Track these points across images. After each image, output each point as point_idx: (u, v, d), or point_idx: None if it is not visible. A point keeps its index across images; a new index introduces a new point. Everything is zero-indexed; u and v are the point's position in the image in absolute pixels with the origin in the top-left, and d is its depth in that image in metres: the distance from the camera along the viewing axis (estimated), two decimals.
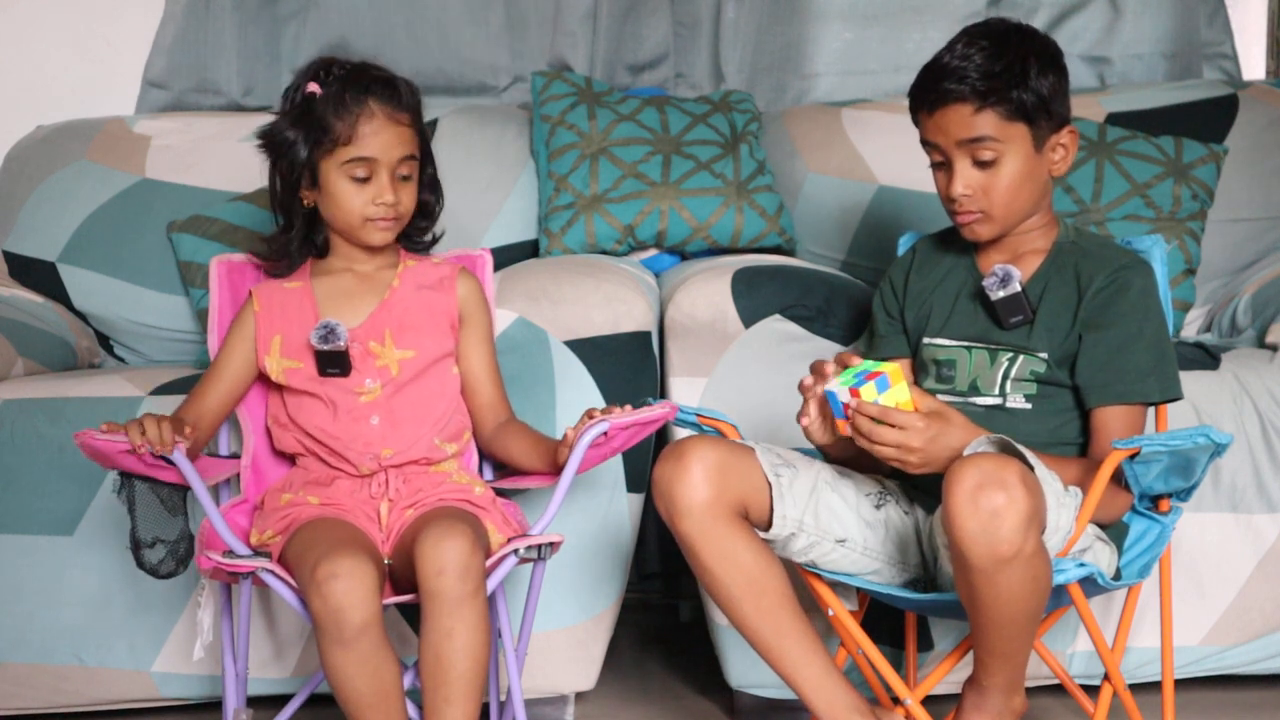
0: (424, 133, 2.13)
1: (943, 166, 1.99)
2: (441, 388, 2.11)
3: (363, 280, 2.13)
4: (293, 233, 2.12)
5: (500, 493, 2.12)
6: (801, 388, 1.89)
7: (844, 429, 1.83)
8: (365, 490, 2.04)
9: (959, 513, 1.68)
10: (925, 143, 2.00)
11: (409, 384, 2.08)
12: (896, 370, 1.81)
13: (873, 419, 1.80)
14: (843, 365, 1.84)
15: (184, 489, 1.91)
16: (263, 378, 2.11)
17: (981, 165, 1.95)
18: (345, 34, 3.21)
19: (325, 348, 2.04)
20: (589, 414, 1.95)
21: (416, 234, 2.18)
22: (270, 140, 2.09)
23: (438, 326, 2.11)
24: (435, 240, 2.21)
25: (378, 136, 2.04)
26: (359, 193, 2.05)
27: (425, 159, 2.14)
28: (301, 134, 2.05)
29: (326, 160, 2.05)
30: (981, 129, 1.93)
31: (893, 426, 1.79)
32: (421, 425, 2.07)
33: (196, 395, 2.09)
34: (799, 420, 1.89)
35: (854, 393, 1.80)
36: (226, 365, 2.10)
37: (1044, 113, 1.95)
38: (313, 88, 2.06)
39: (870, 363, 1.82)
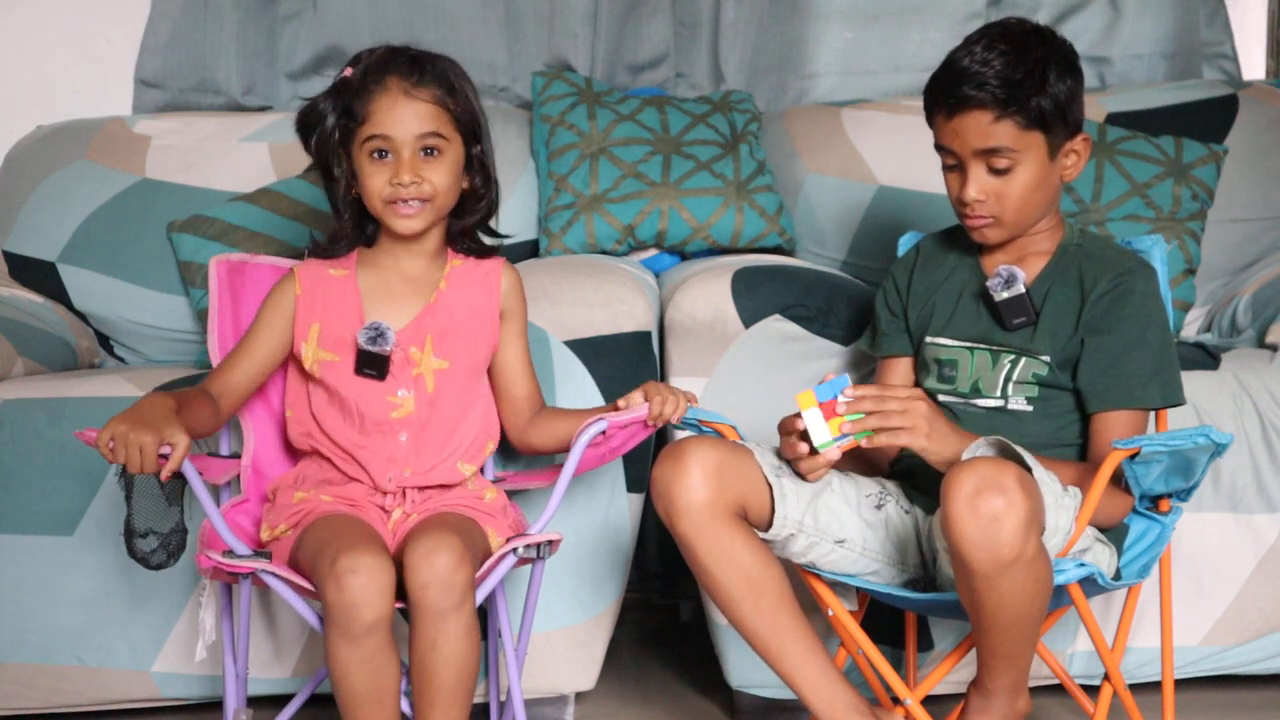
0: (468, 113, 2.05)
1: (956, 169, 1.99)
2: (472, 406, 2.08)
3: (408, 279, 2.09)
4: (344, 219, 2.08)
5: None
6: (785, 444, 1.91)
7: (840, 428, 1.84)
8: (379, 496, 2.04)
9: (958, 518, 1.69)
10: (939, 147, 2.00)
11: (441, 402, 2.05)
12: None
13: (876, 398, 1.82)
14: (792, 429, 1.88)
15: (183, 480, 1.90)
16: (287, 362, 2.09)
17: (996, 172, 1.95)
18: (344, 34, 3.21)
19: (372, 349, 2.01)
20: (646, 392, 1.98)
21: (466, 229, 2.11)
22: (304, 118, 2.05)
23: (479, 334, 2.08)
24: (500, 241, 2.15)
25: (391, 112, 1.99)
26: (379, 173, 2.00)
27: (469, 140, 2.06)
28: (330, 104, 2.02)
29: (354, 143, 2.02)
30: (999, 139, 1.93)
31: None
32: (446, 449, 2.06)
33: (225, 367, 2.04)
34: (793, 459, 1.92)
35: (832, 404, 1.82)
36: (260, 342, 2.05)
37: (1060, 121, 1.95)
38: (348, 72, 2.03)
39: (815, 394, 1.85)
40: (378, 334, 2.01)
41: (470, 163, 2.07)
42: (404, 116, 1.99)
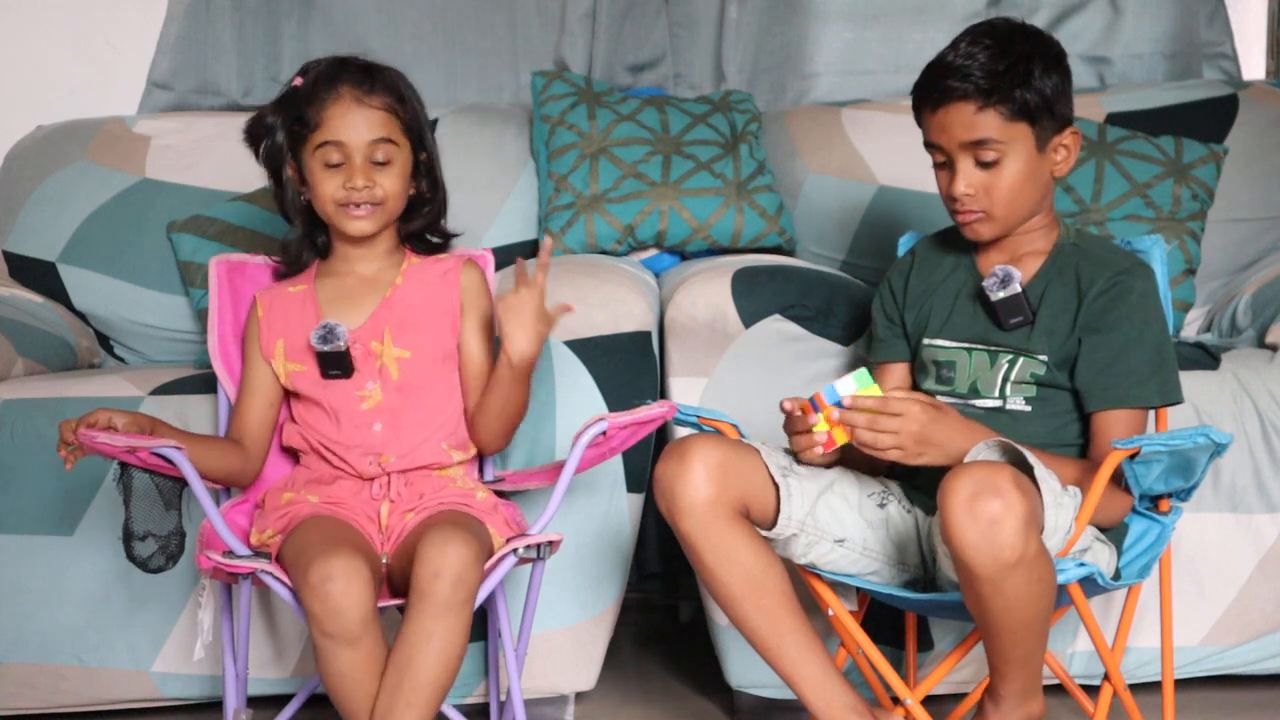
0: (416, 121, 2.11)
1: (945, 166, 1.99)
2: (446, 391, 2.10)
3: (365, 281, 2.13)
4: (295, 226, 2.13)
5: (500, 494, 2.12)
6: (790, 420, 1.90)
7: (835, 439, 1.85)
8: (366, 491, 2.04)
9: (958, 523, 1.68)
10: (929, 144, 2.00)
11: (409, 388, 2.07)
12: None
13: (870, 414, 1.81)
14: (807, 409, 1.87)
15: (182, 483, 1.91)
16: None
17: (984, 165, 1.95)
18: (345, 34, 3.21)
19: (325, 348, 2.04)
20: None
21: (419, 233, 2.16)
22: (252, 129, 2.10)
23: (439, 325, 2.11)
24: (447, 240, 2.20)
25: (344, 119, 2.04)
26: (332, 178, 2.05)
27: (417, 147, 2.12)
28: (280, 118, 2.07)
29: (304, 150, 2.06)
30: (984, 130, 1.93)
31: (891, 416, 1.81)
32: (425, 429, 2.07)
33: (236, 413, 2.11)
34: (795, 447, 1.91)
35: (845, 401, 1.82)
36: (254, 378, 2.11)
37: (1047, 113, 1.95)
38: (297, 81, 2.08)
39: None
40: (327, 332, 2.04)
41: (418, 168, 2.12)
42: (356, 123, 2.04)
